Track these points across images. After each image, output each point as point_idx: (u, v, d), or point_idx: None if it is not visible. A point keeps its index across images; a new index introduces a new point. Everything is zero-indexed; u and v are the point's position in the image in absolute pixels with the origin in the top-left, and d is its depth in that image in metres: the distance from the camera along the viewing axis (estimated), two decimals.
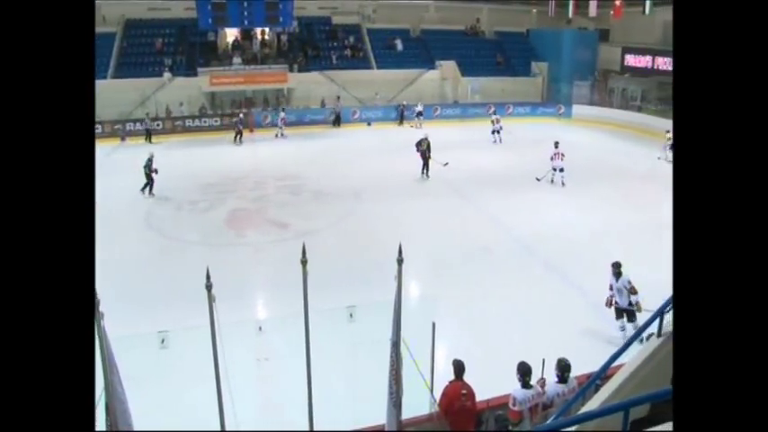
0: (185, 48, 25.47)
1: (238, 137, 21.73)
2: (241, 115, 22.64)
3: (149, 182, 14.92)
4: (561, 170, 15.90)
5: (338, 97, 25.17)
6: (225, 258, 10.97)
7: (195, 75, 24.20)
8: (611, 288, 8.12)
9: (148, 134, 21.75)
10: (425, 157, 16.68)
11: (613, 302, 8.09)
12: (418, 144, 16.84)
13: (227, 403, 4.52)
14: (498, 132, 21.33)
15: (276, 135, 22.52)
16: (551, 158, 16.12)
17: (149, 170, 14.86)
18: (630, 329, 7.77)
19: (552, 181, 16.09)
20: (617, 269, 8.05)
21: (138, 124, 22.45)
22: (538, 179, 16.23)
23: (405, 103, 25.40)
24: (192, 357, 5.47)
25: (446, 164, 17.06)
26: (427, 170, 16.77)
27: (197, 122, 23.43)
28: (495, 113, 22.59)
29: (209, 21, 21.41)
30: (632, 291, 7.82)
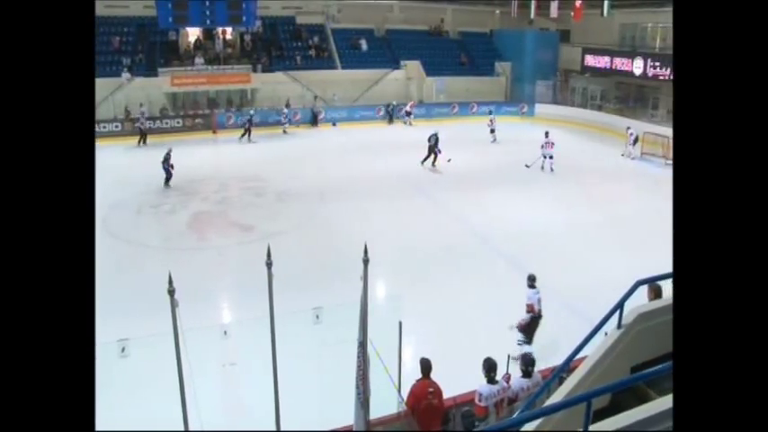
0: (145, 47, 24.85)
1: (247, 135, 22.10)
2: (252, 112, 22.94)
3: (168, 176, 15.79)
4: (550, 157, 17.34)
5: (316, 97, 25.00)
6: (188, 263, 10.76)
7: (156, 75, 23.63)
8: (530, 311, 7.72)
9: (143, 135, 21.17)
10: (433, 150, 17.61)
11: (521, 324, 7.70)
12: (429, 138, 17.79)
13: (192, 410, 4.43)
14: (493, 132, 21.86)
15: (284, 131, 23.33)
16: (542, 147, 17.43)
17: (168, 165, 15.70)
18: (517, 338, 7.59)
19: (543, 168, 17.36)
20: (531, 282, 7.79)
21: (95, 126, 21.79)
22: (527, 166, 17.44)
23: (394, 102, 25.63)
24: (155, 365, 5.34)
25: (449, 160, 17.69)
26: (433, 162, 17.69)
27: (158, 124, 22.89)
28: (491, 113, 22.96)
29: (170, 19, 20.85)
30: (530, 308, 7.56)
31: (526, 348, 7.05)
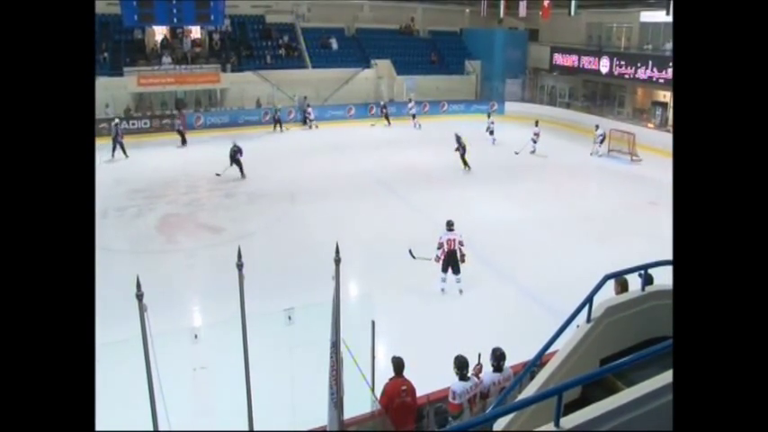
0: (109, 45, 24.23)
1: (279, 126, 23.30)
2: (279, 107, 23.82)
3: (240, 166, 16.35)
4: (535, 142, 19.53)
5: (305, 97, 24.79)
6: (156, 266, 10.55)
7: (121, 75, 23.10)
8: (440, 246, 9.32)
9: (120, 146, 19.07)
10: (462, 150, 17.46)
11: (441, 258, 9.33)
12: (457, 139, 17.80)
13: (162, 416, 4.34)
14: (492, 133, 21.49)
15: (310, 127, 23.82)
16: (534, 134, 19.59)
17: (237, 154, 16.32)
18: (453, 281, 9.33)
19: (533, 152, 19.34)
20: (450, 227, 9.46)
21: None
22: (516, 153, 19.08)
23: (387, 100, 25.73)
24: (124, 372, 5.22)
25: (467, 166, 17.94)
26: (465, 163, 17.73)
27: (124, 125, 22.35)
28: (489, 116, 22.51)
29: (135, 18, 20.44)
30: (462, 243, 9.27)
31: (442, 277, 9.29)
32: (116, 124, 19.52)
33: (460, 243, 9.23)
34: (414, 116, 24.63)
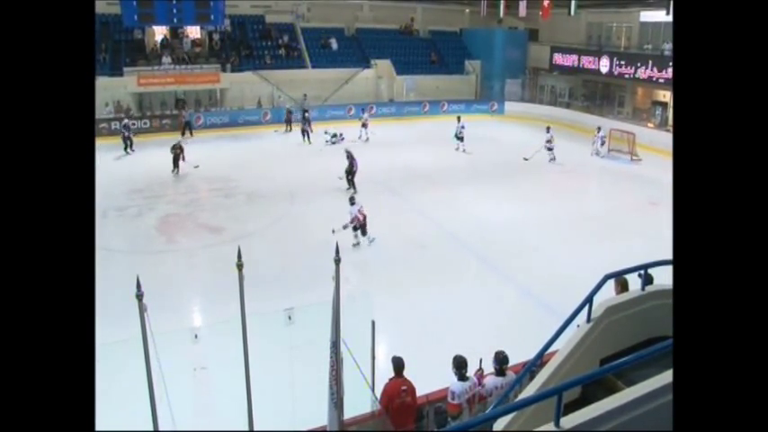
0: (109, 46, 24.24)
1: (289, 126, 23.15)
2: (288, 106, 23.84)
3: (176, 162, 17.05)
4: (551, 149, 18.50)
5: (305, 95, 24.71)
6: (156, 266, 10.55)
7: (121, 75, 23.10)
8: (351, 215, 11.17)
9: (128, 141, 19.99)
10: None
11: (351, 224, 11.24)
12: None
13: (164, 416, 4.34)
14: (462, 140, 19.96)
15: (360, 137, 21.49)
16: (547, 141, 18.54)
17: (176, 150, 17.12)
18: (363, 239, 11.35)
19: (550, 160, 18.39)
20: (352, 202, 11.55)
21: None
22: (525, 159, 18.14)
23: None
24: (124, 372, 5.22)
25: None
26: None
27: (127, 122, 22.35)
28: (459, 120, 20.54)
29: (135, 18, 20.45)
30: (361, 212, 11.27)
31: (360, 237, 11.39)
32: (125, 125, 20.50)
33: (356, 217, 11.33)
34: (364, 125, 22.05)
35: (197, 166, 17.15)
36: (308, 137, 21.46)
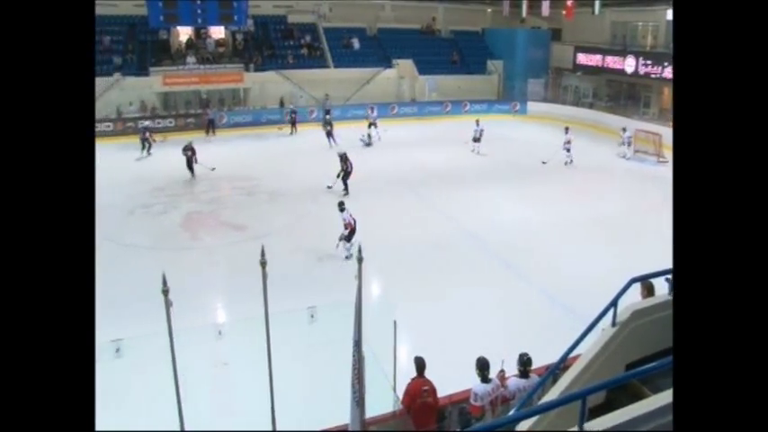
0: (135, 46, 24.67)
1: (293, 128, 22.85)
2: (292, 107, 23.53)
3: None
4: (568, 150, 17.96)
5: (326, 95, 24.83)
6: (181, 263, 10.71)
7: (147, 74, 23.48)
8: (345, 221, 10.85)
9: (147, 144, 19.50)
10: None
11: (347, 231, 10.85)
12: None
13: (188, 410, 4.41)
14: (478, 141, 19.49)
15: (371, 137, 21.15)
16: (565, 143, 18.00)
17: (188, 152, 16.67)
18: (342, 246, 10.86)
19: (566, 162, 17.92)
20: (341, 207, 11.11)
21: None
22: (544, 162, 17.74)
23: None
24: (149, 365, 5.32)
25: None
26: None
27: (150, 123, 22.74)
28: (478, 123, 20.09)
29: (160, 18, 20.75)
30: (352, 217, 10.95)
31: (346, 246, 10.80)
32: (146, 127, 20.42)
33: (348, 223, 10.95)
34: (372, 125, 21.62)
35: (213, 169, 16.83)
36: (333, 139, 20.44)
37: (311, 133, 23.39)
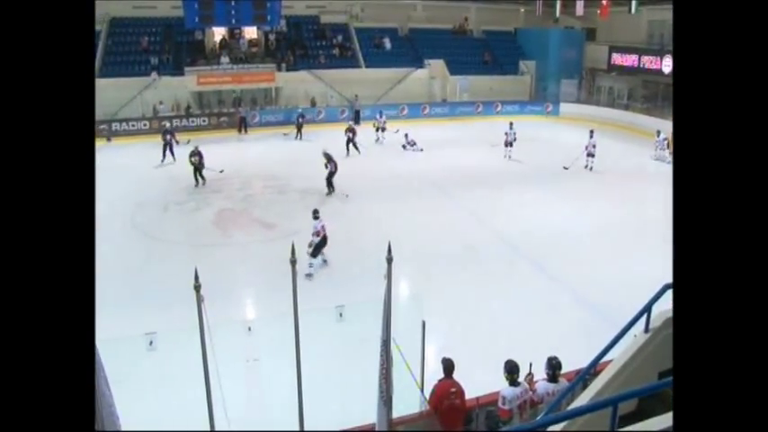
0: (171, 46, 25.26)
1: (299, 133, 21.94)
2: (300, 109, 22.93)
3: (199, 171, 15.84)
4: (592, 156, 17.32)
5: (356, 96, 24.99)
6: (213, 259, 10.91)
7: (182, 74, 24.01)
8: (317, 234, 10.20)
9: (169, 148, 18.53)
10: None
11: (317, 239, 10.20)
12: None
13: (217, 404, 4.49)
14: (511, 145, 18.72)
15: (377, 139, 21.17)
16: (586, 146, 17.40)
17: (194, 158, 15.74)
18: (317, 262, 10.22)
19: (586, 166, 17.38)
20: (316, 215, 10.35)
21: (123, 124, 22.23)
22: (565, 168, 17.17)
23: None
24: (181, 359, 5.43)
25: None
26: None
27: (184, 122, 23.24)
28: (512, 126, 19.13)
29: (196, 19, 21.22)
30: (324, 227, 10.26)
31: (312, 261, 10.02)
32: (166, 130, 19.29)
33: (317, 232, 10.27)
34: (380, 129, 21.43)
35: (222, 171, 16.35)
36: (356, 147, 19.18)
37: (341, 133, 23.54)
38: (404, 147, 20.21)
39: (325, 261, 10.48)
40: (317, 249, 10.17)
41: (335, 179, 15.00)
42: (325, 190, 14.97)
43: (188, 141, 17.16)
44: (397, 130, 20.88)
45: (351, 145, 19.03)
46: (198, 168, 15.68)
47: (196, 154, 15.68)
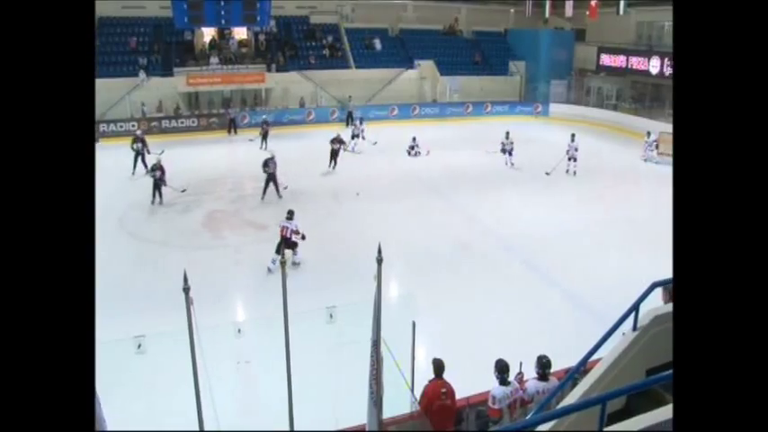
0: (161, 47, 25.10)
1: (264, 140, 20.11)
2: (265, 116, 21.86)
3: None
4: (574, 160, 16.95)
5: (349, 97, 24.93)
6: (202, 261, 10.84)
7: (171, 75, 23.87)
8: (290, 230, 10.31)
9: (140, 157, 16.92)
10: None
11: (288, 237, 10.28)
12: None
13: (207, 407, 4.47)
14: (510, 153, 17.98)
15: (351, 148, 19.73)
16: (567, 150, 17.00)
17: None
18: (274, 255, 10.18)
19: (567, 171, 16.99)
20: (290, 215, 10.47)
21: (111, 125, 22.06)
22: (547, 173, 16.87)
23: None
24: (170, 362, 5.40)
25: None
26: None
27: (173, 123, 23.11)
28: (508, 135, 18.12)
29: (185, 20, 21.01)
30: (296, 232, 10.33)
31: (273, 258, 10.09)
32: (137, 137, 17.41)
33: (294, 231, 10.34)
34: (357, 136, 20.28)
35: (184, 190, 14.98)
36: (335, 160, 17.81)
37: (331, 134, 23.50)
38: (408, 152, 19.48)
39: (295, 263, 10.40)
40: (278, 246, 10.21)
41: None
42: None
43: (161, 152, 15.74)
44: (376, 143, 20.12)
45: (336, 158, 17.72)
46: (158, 184, 14.25)
47: (158, 168, 14.28)
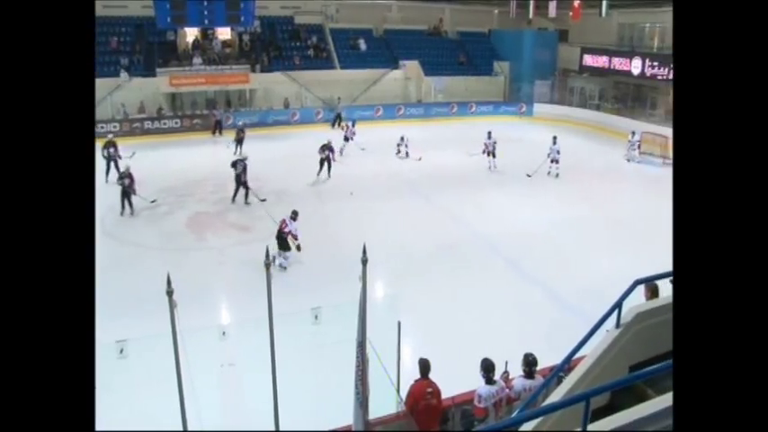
0: (143, 47, 24.81)
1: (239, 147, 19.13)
2: (241, 123, 21.17)
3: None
4: (556, 162, 16.90)
5: (338, 98, 24.87)
6: (186, 263, 10.74)
7: (154, 75, 23.60)
8: (290, 231, 10.58)
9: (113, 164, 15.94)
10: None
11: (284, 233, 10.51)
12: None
13: (191, 411, 4.43)
14: (492, 155, 17.78)
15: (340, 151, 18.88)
16: (548, 153, 16.96)
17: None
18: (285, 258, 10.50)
19: (549, 173, 16.92)
20: (294, 216, 10.72)
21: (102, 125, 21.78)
22: (528, 175, 16.81)
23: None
24: (153, 366, 5.33)
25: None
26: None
27: (156, 124, 22.87)
28: (490, 136, 18.01)
29: (168, 20, 20.75)
30: (294, 236, 10.61)
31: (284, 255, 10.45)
32: (109, 141, 16.40)
33: (293, 234, 10.59)
34: (348, 138, 19.94)
35: (154, 201, 14.30)
36: (329, 167, 17.06)
37: (316, 134, 23.44)
38: (398, 150, 19.25)
39: (282, 266, 10.44)
40: (279, 243, 10.56)
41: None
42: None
43: (132, 154, 15.09)
44: (364, 149, 19.86)
45: (327, 165, 16.94)
46: (127, 192, 13.41)
47: (126, 176, 13.42)
